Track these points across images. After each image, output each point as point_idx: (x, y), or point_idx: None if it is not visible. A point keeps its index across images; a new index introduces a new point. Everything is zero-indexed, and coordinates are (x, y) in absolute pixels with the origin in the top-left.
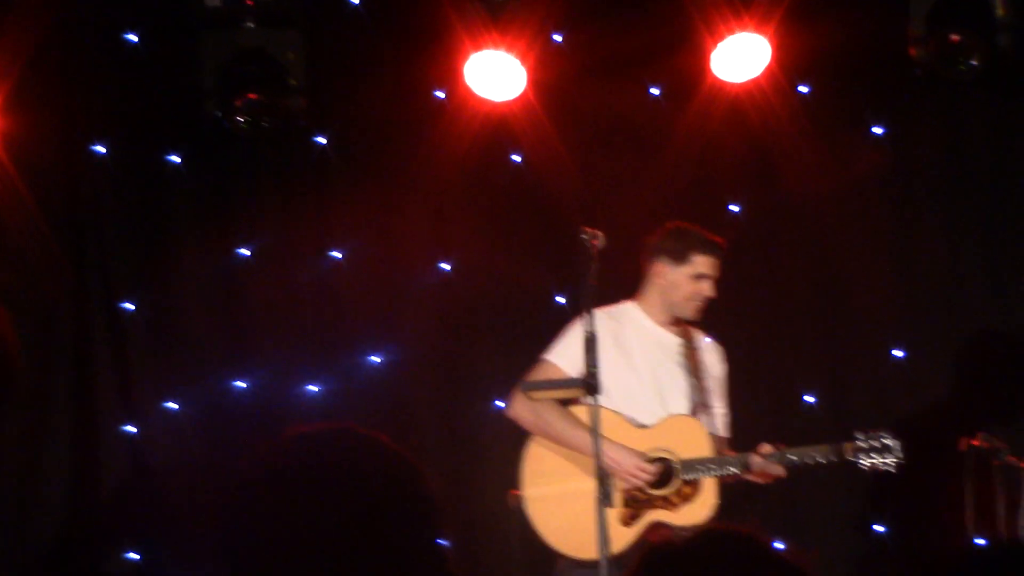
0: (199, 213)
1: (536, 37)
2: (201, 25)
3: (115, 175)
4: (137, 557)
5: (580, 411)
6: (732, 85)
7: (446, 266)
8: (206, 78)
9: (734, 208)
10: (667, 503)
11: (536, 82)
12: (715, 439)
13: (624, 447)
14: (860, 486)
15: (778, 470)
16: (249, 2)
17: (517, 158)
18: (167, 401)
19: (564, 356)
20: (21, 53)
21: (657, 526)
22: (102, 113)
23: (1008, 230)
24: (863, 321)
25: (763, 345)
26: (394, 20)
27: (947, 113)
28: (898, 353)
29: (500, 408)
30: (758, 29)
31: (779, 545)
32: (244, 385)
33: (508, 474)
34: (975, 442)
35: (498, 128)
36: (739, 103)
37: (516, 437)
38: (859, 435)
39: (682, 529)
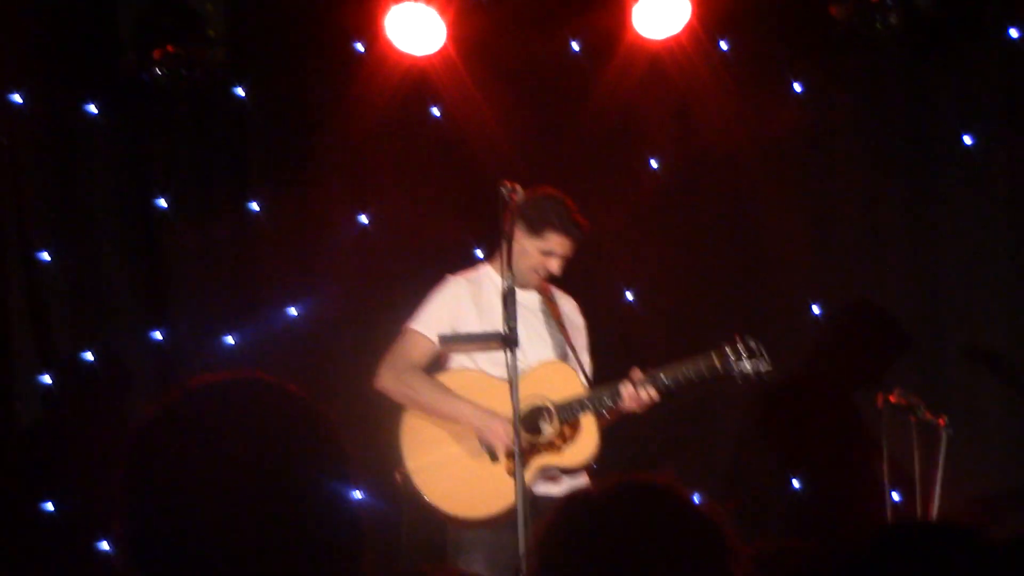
0: (116, 163)
1: None
2: None
3: (32, 125)
4: (52, 507)
5: (445, 377)
6: (653, 41)
7: (364, 219)
8: (124, 28)
9: (654, 163)
10: (551, 447)
11: (456, 36)
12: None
13: (489, 412)
14: (777, 441)
15: (651, 393)
16: None
17: (437, 112)
18: (83, 351)
19: (427, 324)
20: None
21: (545, 471)
22: (19, 62)
23: (926, 188)
24: (781, 277)
25: (682, 300)
26: None
27: (866, 71)
28: (816, 309)
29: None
30: None
31: (695, 498)
32: (161, 336)
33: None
34: (892, 398)
35: (418, 81)
36: (659, 59)
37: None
38: (726, 344)
39: (566, 469)
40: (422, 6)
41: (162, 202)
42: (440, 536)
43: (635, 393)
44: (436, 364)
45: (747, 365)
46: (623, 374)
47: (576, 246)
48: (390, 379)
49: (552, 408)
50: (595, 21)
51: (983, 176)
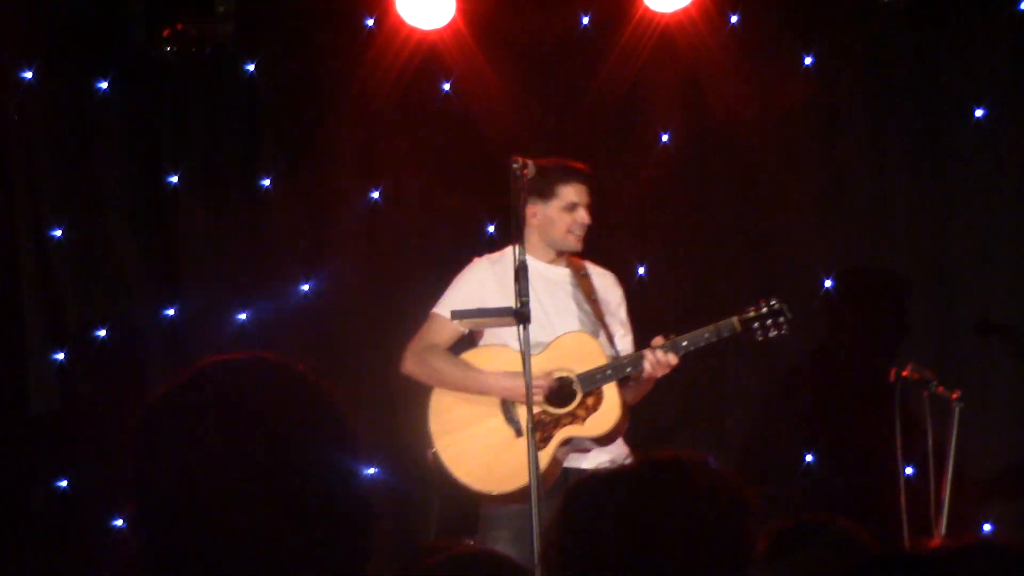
0: (127, 140)
1: None
2: None
3: (42, 102)
4: (65, 484)
5: (472, 354)
6: (663, 15)
7: (375, 194)
8: (134, 4)
9: (664, 137)
10: (573, 418)
11: (466, 10)
12: (606, 348)
13: (513, 372)
14: (790, 416)
15: (672, 359)
16: None
17: (447, 86)
18: (95, 329)
19: (450, 307)
20: None
21: (567, 443)
22: (29, 39)
23: (935, 161)
24: (793, 251)
25: (693, 275)
26: None
27: (876, 44)
28: (828, 283)
29: None
30: None
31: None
32: (172, 313)
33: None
34: (904, 372)
35: (428, 56)
36: (669, 32)
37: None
38: (749, 306)
39: (592, 439)
40: None
41: (173, 179)
42: (474, 512)
43: (656, 359)
44: (465, 346)
45: (771, 325)
46: (639, 346)
47: (590, 189)
48: (414, 362)
49: (574, 379)
50: None
51: (993, 148)
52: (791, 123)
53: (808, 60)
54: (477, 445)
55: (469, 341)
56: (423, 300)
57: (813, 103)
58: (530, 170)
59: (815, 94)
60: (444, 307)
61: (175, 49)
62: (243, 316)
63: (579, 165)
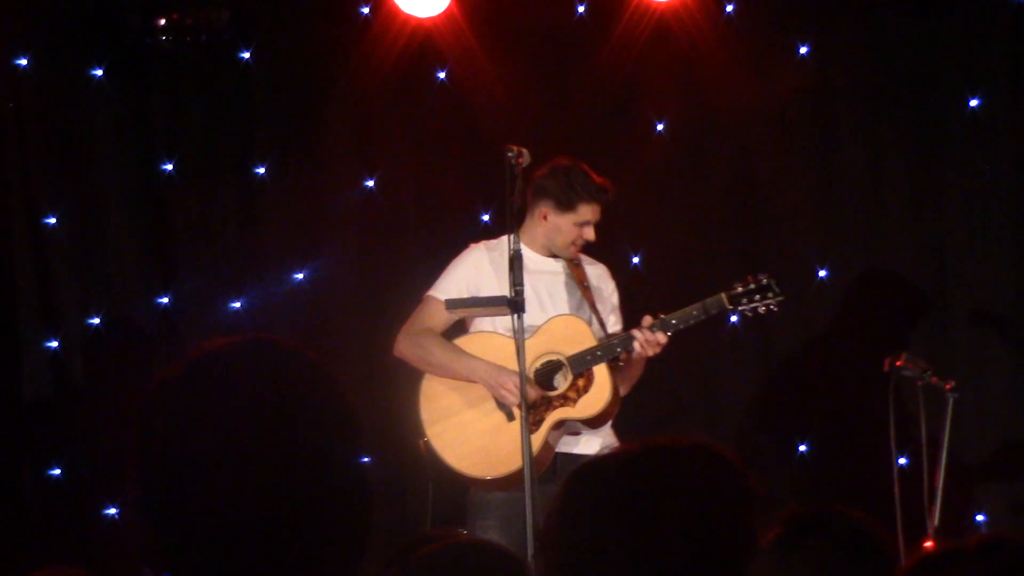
0: (122, 128)
1: None
2: None
3: (36, 89)
4: (59, 472)
5: (464, 340)
6: (658, 3)
7: (370, 183)
8: None
9: (659, 126)
10: (565, 400)
11: None
12: (595, 331)
13: (499, 366)
14: (783, 406)
15: (661, 338)
16: None
17: (442, 75)
18: (89, 317)
19: (444, 291)
20: None
21: (559, 426)
22: (23, 26)
23: (930, 150)
24: (787, 241)
25: (687, 264)
26: None
27: (871, 33)
28: (822, 273)
29: None
30: None
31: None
32: (167, 301)
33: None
34: (898, 363)
35: (423, 44)
36: (664, 21)
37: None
38: (737, 283)
39: (583, 421)
40: None
41: (168, 167)
42: (463, 501)
43: (645, 339)
44: (458, 330)
45: (759, 302)
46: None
47: (604, 209)
48: (405, 344)
49: (565, 361)
50: None
51: (988, 138)
52: (786, 112)
53: (803, 49)
54: (469, 430)
55: (461, 326)
56: (417, 289)
57: (808, 92)
58: (525, 158)
59: (810, 83)
60: (439, 291)
61: (171, 38)
62: (237, 304)
63: (605, 183)
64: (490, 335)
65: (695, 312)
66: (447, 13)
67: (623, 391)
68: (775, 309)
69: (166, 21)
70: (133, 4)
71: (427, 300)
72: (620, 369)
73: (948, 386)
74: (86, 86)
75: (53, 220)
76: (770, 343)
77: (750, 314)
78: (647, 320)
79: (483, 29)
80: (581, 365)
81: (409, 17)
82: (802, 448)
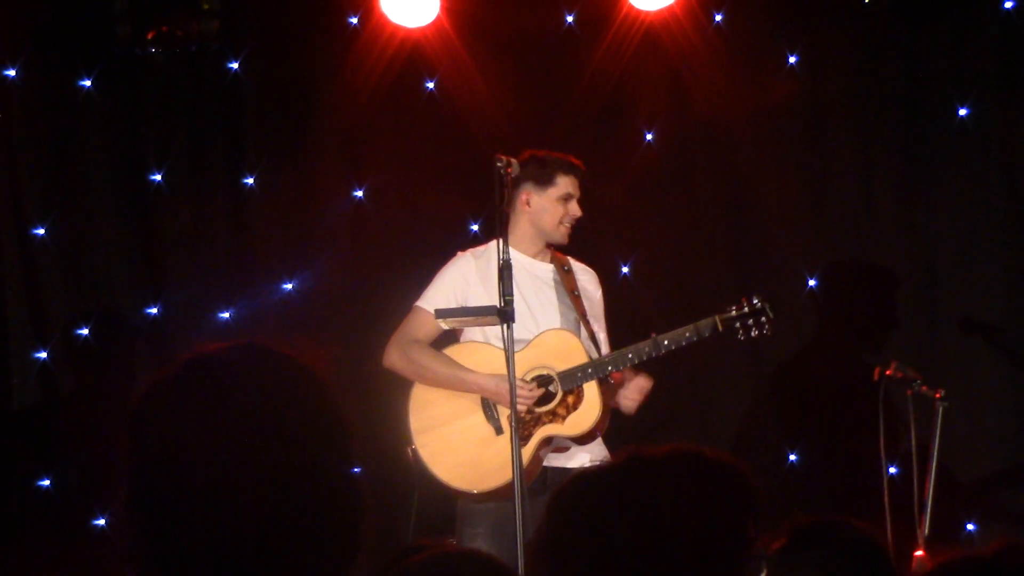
0: (111, 138)
1: None
2: None
3: (26, 99)
4: (47, 482)
5: (455, 350)
6: (647, 13)
7: (359, 193)
8: (119, 1)
9: (648, 135)
10: (554, 416)
11: (450, 8)
12: (587, 347)
13: (496, 375)
14: (774, 414)
15: (644, 385)
16: None
17: (431, 84)
18: (78, 327)
19: (432, 301)
20: None
21: (546, 441)
22: (13, 36)
23: (920, 159)
24: (777, 250)
25: (677, 274)
26: None
27: (861, 42)
28: (812, 281)
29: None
30: None
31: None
32: (156, 311)
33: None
34: (888, 371)
35: (412, 54)
36: (654, 30)
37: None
38: (730, 306)
39: (571, 438)
40: None
41: (157, 177)
42: (451, 511)
43: (630, 396)
44: (448, 340)
45: (752, 325)
46: (622, 345)
47: (582, 185)
48: (396, 355)
49: (555, 377)
50: None
51: (978, 147)
52: (776, 121)
53: (792, 59)
54: (456, 442)
55: (451, 335)
56: (407, 299)
57: (798, 101)
58: (514, 168)
59: (800, 93)
60: (427, 301)
61: (160, 50)
62: (227, 314)
63: (575, 160)
64: (481, 345)
65: (688, 334)
66: (436, 23)
67: (615, 405)
68: (768, 332)
69: (155, 34)
70: (122, 14)
71: (415, 311)
72: (611, 386)
73: (938, 395)
74: (75, 96)
75: (42, 230)
76: (760, 352)
77: (743, 337)
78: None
79: (472, 39)
80: (572, 382)
81: (398, 27)
82: (792, 457)
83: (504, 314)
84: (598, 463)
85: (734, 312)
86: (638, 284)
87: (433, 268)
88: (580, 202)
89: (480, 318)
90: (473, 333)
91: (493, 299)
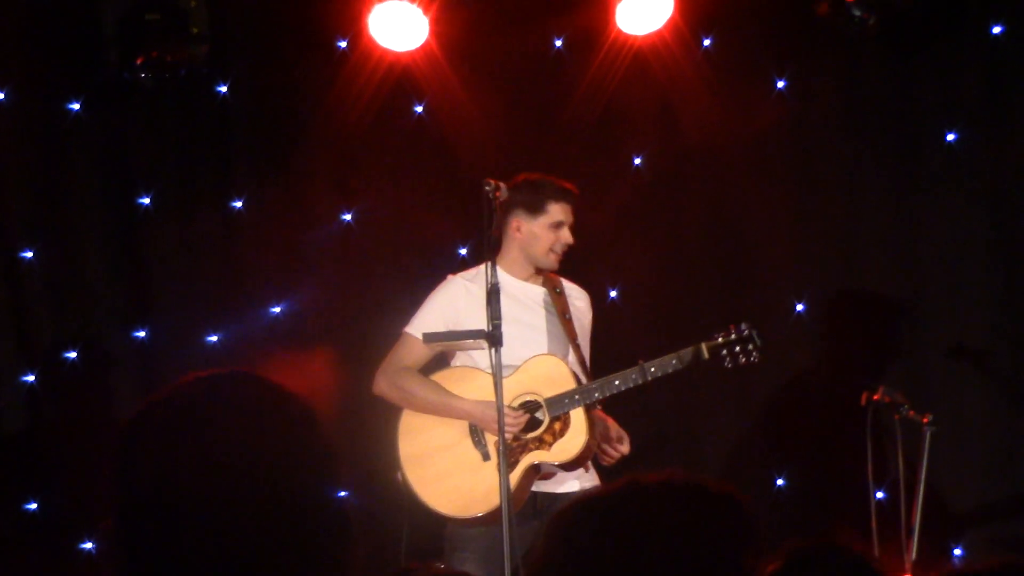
0: (99, 161)
1: None
2: None
3: (14, 122)
4: (35, 507)
5: (443, 376)
6: (635, 37)
7: (348, 217)
8: (107, 25)
9: (637, 160)
10: (540, 443)
11: (439, 32)
12: (576, 372)
13: (483, 401)
14: (761, 439)
15: (624, 449)
16: None
17: (419, 109)
18: (66, 350)
19: (421, 327)
20: None
21: (533, 468)
22: (2, 60)
23: (907, 184)
24: (765, 275)
25: (665, 298)
26: None
27: (849, 68)
28: (799, 306)
29: None
30: None
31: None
32: (144, 335)
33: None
34: (876, 396)
35: (401, 79)
36: (642, 55)
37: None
38: (717, 333)
39: (558, 465)
40: (404, 3)
41: (145, 200)
42: (441, 534)
43: (609, 454)
44: (438, 366)
45: (740, 353)
46: (608, 371)
47: (574, 211)
48: (384, 383)
49: (543, 403)
50: (578, 17)
51: (965, 173)
52: (764, 146)
53: (781, 83)
54: (444, 469)
55: (441, 361)
56: (396, 323)
57: (786, 127)
58: (502, 192)
59: (788, 118)
60: (416, 327)
61: (150, 75)
62: (214, 338)
63: (569, 185)
64: (469, 371)
65: (674, 361)
66: (424, 47)
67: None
68: (755, 360)
69: (144, 60)
70: (111, 39)
71: (404, 337)
72: (598, 419)
73: (925, 419)
74: (64, 120)
75: (30, 254)
76: (748, 376)
77: (730, 365)
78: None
79: (460, 63)
80: (559, 408)
81: (386, 51)
82: (780, 481)
83: (492, 338)
84: (598, 487)
85: (721, 339)
86: (626, 309)
87: (422, 292)
88: (572, 228)
89: (468, 342)
90: (462, 358)
91: (483, 323)
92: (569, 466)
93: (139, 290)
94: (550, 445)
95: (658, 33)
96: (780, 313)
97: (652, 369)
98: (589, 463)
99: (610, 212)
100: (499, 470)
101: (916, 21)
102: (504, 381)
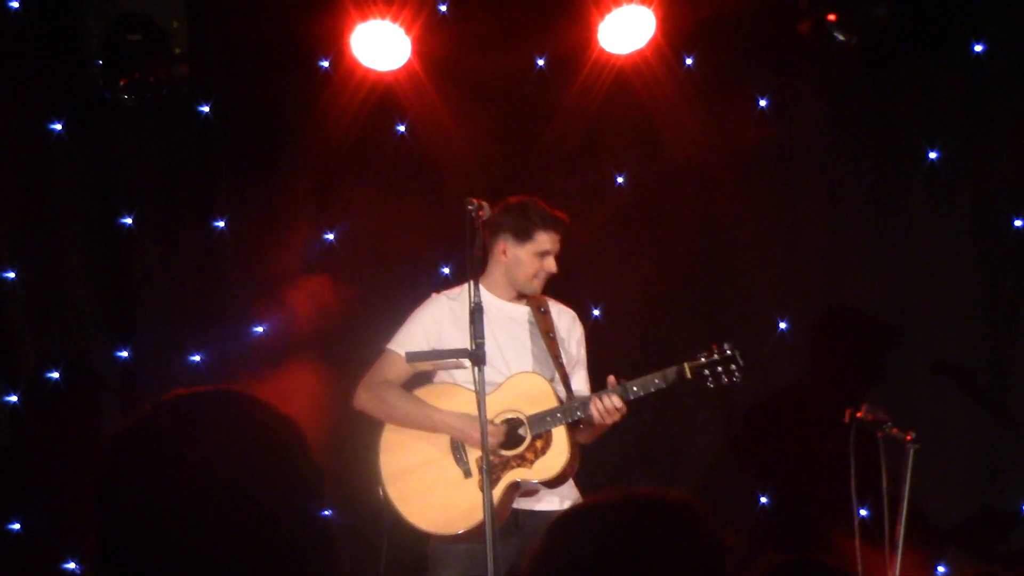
0: (81, 181)
1: (421, 7)
2: None
3: None
4: (18, 527)
5: (425, 392)
6: (618, 56)
7: (330, 236)
8: (89, 45)
9: (619, 178)
10: (522, 461)
11: (421, 52)
12: (558, 391)
13: (465, 414)
14: (745, 456)
15: (619, 404)
16: None
17: (402, 128)
18: (49, 370)
19: (403, 343)
20: None
21: (514, 486)
22: None
23: (890, 202)
24: (748, 293)
25: (648, 316)
26: None
27: (831, 86)
28: (782, 324)
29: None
30: (643, 1)
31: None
32: (126, 354)
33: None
34: (859, 414)
35: (383, 98)
36: (624, 74)
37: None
38: (700, 353)
39: (539, 483)
40: (387, 23)
41: (127, 220)
42: (422, 550)
43: (604, 407)
44: (420, 382)
45: (722, 373)
46: (592, 389)
47: (562, 239)
48: (365, 397)
49: (525, 421)
50: (560, 36)
51: (948, 190)
52: (746, 164)
53: (763, 102)
54: (426, 485)
55: (424, 378)
56: (378, 341)
57: (768, 145)
58: (485, 212)
59: (770, 136)
60: (398, 343)
61: (132, 96)
62: (197, 357)
63: (559, 214)
64: (451, 387)
65: (656, 380)
66: (407, 66)
67: (586, 441)
68: (737, 380)
69: (127, 81)
70: (93, 57)
71: (386, 353)
72: (581, 430)
73: (908, 437)
74: (46, 139)
75: (12, 273)
76: (731, 394)
77: (712, 385)
78: (611, 381)
79: (443, 82)
80: (540, 426)
81: (369, 71)
82: (763, 499)
83: (475, 356)
84: (596, 496)
85: (703, 359)
86: (609, 327)
87: (404, 310)
88: (558, 257)
89: (451, 360)
90: (443, 376)
91: (466, 341)
92: (551, 484)
93: (122, 309)
94: (532, 463)
95: (640, 52)
96: (763, 331)
97: (635, 388)
98: (572, 481)
99: (593, 230)
100: (480, 487)
101: (898, 39)
102: (487, 398)
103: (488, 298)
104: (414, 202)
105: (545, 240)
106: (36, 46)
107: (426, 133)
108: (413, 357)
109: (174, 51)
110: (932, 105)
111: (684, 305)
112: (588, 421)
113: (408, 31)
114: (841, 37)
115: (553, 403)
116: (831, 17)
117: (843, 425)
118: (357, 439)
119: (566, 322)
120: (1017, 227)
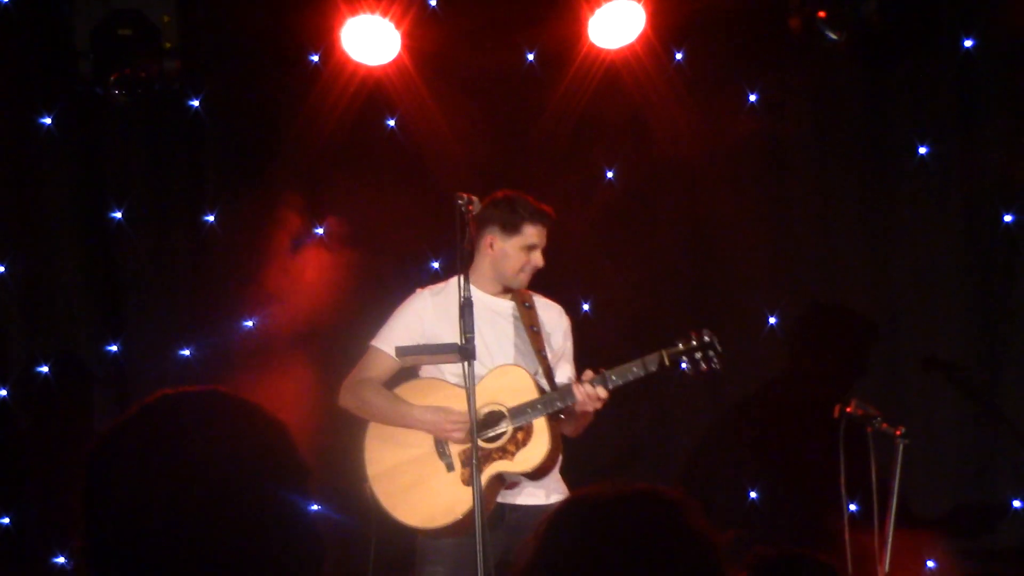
0: (71, 175)
1: (411, 2)
2: None
3: None
4: (7, 521)
5: (409, 387)
6: (608, 51)
7: (319, 230)
8: (80, 41)
9: (609, 173)
10: (504, 453)
11: (411, 47)
12: (540, 383)
13: (438, 408)
14: (734, 451)
15: (601, 393)
16: None
17: (392, 122)
18: (38, 365)
19: (387, 340)
20: None
21: (497, 478)
22: None
23: (880, 197)
24: (738, 288)
25: (638, 311)
26: None
27: (821, 82)
28: (772, 319)
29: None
30: None
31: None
32: (116, 349)
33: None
34: (848, 409)
35: (373, 92)
36: (615, 69)
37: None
38: (678, 340)
39: (521, 474)
40: (377, 18)
41: (117, 214)
42: (410, 546)
43: (586, 393)
44: (407, 377)
45: (700, 360)
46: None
47: (548, 233)
48: (347, 395)
49: (506, 413)
50: (550, 31)
51: (938, 186)
52: (736, 160)
53: (753, 97)
54: (409, 480)
55: (410, 372)
56: (367, 336)
57: (758, 140)
58: (475, 206)
59: (760, 131)
60: (382, 340)
61: (123, 93)
62: (187, 352)
63: (547, 208)
64: (436, 382)
65: (635, 368)
66: (397, 61)
67: (572, 434)
68: (717, 367)
69: (118, 76)
70: (84, 52)
71: (370, 350)
72: (563, 421)
73: (898, 432)
74: (36, 134)
75: (1, 268)
76: (720, 389)
77: (692, 373)
78: (588, 374)
79: (432, 77)
80: (522, 417)
81: (359, 65)
82: (753, 494)
83: (465, 351)
84: (592, 488)
85: (681, 346)
86: (599, 321)
87: (394, 305)
88: (545, 252)
89: (441, 355)
90: (430, 370)
91: (450, 336)
92: (533, 475)
93: (112, 304)
94: (513, 455)
95: (630, 47)
96: (753, 326)
97: (613, 377)
98: (558, 475)
99: (583, 224)
100: (463, 481)
101: (888, 35)
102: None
103: (473, 291)
104: (404, 196)
105: (532, 234)
106: (26, 41)
107: (416, 128)
108: (403, 351)
109: (164, 46)
110: (922, 101)
111: (673, 300)
112: (569, 411)
113: (398, 26)
114: (831, 34)
115: (534, 395)
116: (821, 14)
117: (833, 420)
118: (345, 435)
119: (552, 316)
120: (1006, 222)
